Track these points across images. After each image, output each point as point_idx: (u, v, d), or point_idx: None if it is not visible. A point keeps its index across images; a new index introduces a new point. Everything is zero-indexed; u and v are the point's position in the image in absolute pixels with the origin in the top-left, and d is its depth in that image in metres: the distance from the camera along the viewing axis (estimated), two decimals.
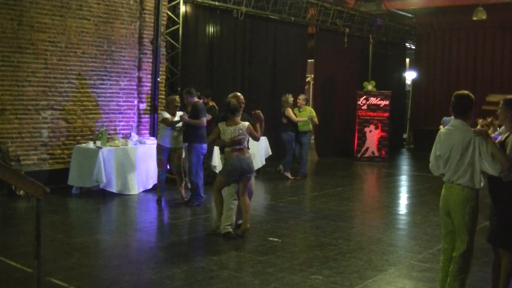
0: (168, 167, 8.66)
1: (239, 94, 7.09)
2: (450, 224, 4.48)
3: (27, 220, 6.98)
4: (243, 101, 7.02)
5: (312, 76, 15.98)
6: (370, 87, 14.92)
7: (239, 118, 6.72)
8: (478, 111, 10.47)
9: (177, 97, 8.68)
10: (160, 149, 8.39)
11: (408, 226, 7.72)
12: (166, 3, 10.59)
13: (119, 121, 10.09)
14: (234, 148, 6.54)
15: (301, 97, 11.51)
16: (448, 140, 4.44)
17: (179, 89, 10.88)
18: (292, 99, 11.19)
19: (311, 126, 11.36)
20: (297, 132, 11.16)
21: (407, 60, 20.12)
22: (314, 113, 11.34)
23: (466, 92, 4.53)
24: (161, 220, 7.86)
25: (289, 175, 11.20)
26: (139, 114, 10.39)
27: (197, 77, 11.36)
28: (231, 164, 6.53)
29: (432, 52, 17.72)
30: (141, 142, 9.49)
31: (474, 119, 6.45)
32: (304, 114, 11.23)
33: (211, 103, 9.83)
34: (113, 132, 9.91)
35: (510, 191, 4.36)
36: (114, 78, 9.93)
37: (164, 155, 8.38)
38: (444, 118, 9.67)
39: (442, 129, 4.69)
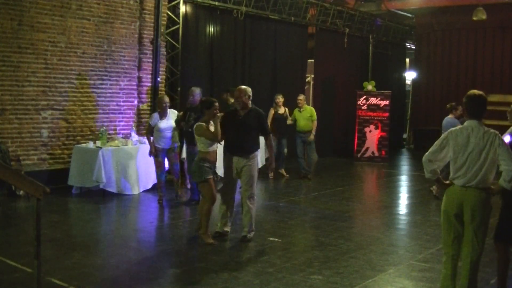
0: (166, 167, 8.68)
1: (242, 87, 6.59)
2: (459, 228, 4.29)
3: (27, 220, 6.98)
4: (239, 94, 6.48)
5: (312, 76, 15.97)
6: (370, 87, 14.92)
7: (207, 117, 6.37)
8: None
9: (165, 97, 8.67)
10: (156, 150, 8.40)
11: (408, 226, 7.72)
12: (166, 3, 10.59)
13: (119, 121, 10.10)
14: None
15: (301, 97, 11.47)
16: (466, 142, 4.23)
17: (179, 89, 10.89)
18: (279, 100, 11.10)
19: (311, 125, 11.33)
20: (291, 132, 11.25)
21: (407, 60, 20.11)
22: (314, 115, 11.30)
23: (480, 92, 4.38)
24: (161, 220, 7.86)
25: (283, 172, 11.37)
26: (139, 114, 10.39)
27: (197, 77, 11.36)
28: None
29: (432, 52, 17.71)
30: (141, 142, 9.49)
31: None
32: (304, 115, 11.21)
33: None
34: (113, 132, 9.91)
35: None
36: (114, 78, 9.93)
37: (162, 156, 8.44)
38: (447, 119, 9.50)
39: (455, 128, 4.40)
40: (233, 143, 6.52)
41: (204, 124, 6.31)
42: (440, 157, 4.37)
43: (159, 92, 10.46)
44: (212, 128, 6.32)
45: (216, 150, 6.49)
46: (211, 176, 6.35)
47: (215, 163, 6.49)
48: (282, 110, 11.27)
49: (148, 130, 8.61)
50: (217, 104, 6.42)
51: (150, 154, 8.46)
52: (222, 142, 6.64)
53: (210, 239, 6.26)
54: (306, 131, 11.22)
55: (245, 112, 6.49)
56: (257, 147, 6.59)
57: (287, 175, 11.35)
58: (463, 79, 16.93)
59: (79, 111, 9.45)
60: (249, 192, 6.48)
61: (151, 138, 8.48)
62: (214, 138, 6.29)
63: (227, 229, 6.64)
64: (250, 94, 6.53)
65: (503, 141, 4.21)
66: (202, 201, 6.51)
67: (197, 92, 8.40)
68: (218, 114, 6.38)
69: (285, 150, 11.39)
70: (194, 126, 6.36)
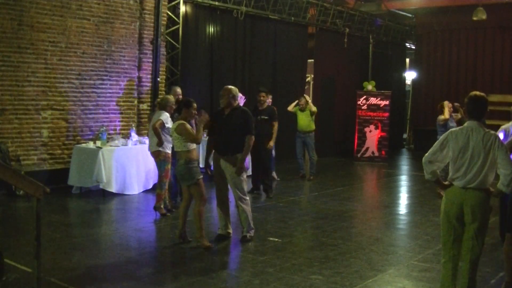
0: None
1: (227, 87, 6.53)
2: (459, 229, 4.29)
3: (27, 220, 6.99)
4: (222, 93, 6.43)
5: (312, 76, 15.98)
6: (370, 87, 14.92)
7: (184, 116, 6.24)
8: None
9: (171, 97, 7.95)
10: (170, 157, 7.62)
11: (408, 226, 7.72)
12: (166, 3, 10.60)
13: (119, 121, 10.10)
14: None
15: (302, 101, 11.19)
16: (466, 143, 4.22)
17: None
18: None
19: (313, 125, 11.23)
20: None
21: (407, 60, 20.12)
22: (313, 107, 11.05)
23: (482, 93, 4.38)
24: (161, 220, 7.85)
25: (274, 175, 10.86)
26: (139, 114, 10.39)
27: (197, 77, 11.36)
28: None
29: (432, 52, 17.72)
30: (141, 142, 9.49)
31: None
32: (307, 114, 11.12)
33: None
34: (113, 132, 9.91)
35: None
36: (114, 78, 9.94)
37: (173, 163, 7.54)
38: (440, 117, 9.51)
39: (455, 128, 4.40)
40: (218, 142, 6.48)
41: (185, 122, 6.15)
42: (440, 157, 4.37)
43: (159, 92, 10.46)
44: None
45: (195, 146, 6.29)
46: (202, 176, 6.25)
47: (198, 161, 6.40)
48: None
49: (160, 126, 7.47)
50: (195, 105, 6.37)
51: (161, 145, 7.50)
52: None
53: (207, 242, 6.14)
54: (306, 131, 11.14)
55: (228, 111, 6.45)
56: (242, 147, 6.38)
57: (278, 178, 10.92)
58: (463, 79, 16.94)
59: (79, 111, 9.45)
60: (237, 194, 6.38)
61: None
62: (194, 140, 6.13)
63: (229, 230, 6.60)
64: (236, 94, 6.50)
65: (502, 144, 4.21)
66: (194, 204, 6.28)
67: (179, 91, 8.30)
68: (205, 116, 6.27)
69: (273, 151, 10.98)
70: (175, 124, 6.15)
